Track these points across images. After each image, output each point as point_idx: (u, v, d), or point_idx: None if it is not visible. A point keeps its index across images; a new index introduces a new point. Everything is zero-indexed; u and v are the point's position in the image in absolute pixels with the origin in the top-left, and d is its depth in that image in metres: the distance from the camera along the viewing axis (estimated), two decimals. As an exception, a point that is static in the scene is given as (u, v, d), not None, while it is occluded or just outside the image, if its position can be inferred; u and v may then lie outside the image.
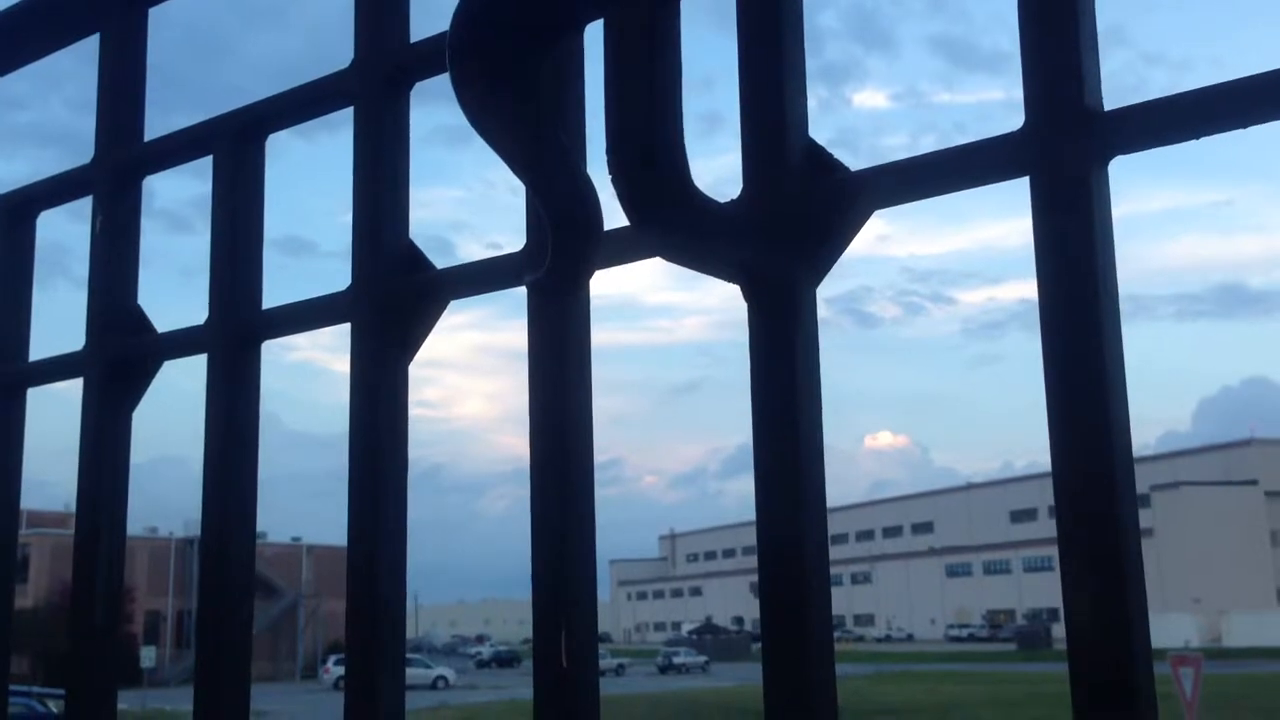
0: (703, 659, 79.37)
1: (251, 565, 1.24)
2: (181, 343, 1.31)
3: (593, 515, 1.00)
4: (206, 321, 1.28)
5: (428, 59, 1.16)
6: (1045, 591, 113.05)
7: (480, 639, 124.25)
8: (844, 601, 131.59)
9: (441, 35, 1.16)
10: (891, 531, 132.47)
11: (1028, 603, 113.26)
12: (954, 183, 0.84)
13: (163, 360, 1.35)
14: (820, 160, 0.91)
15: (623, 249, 0.95)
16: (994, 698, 48.03)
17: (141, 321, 1.37)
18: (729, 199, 0.91)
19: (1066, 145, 0.77)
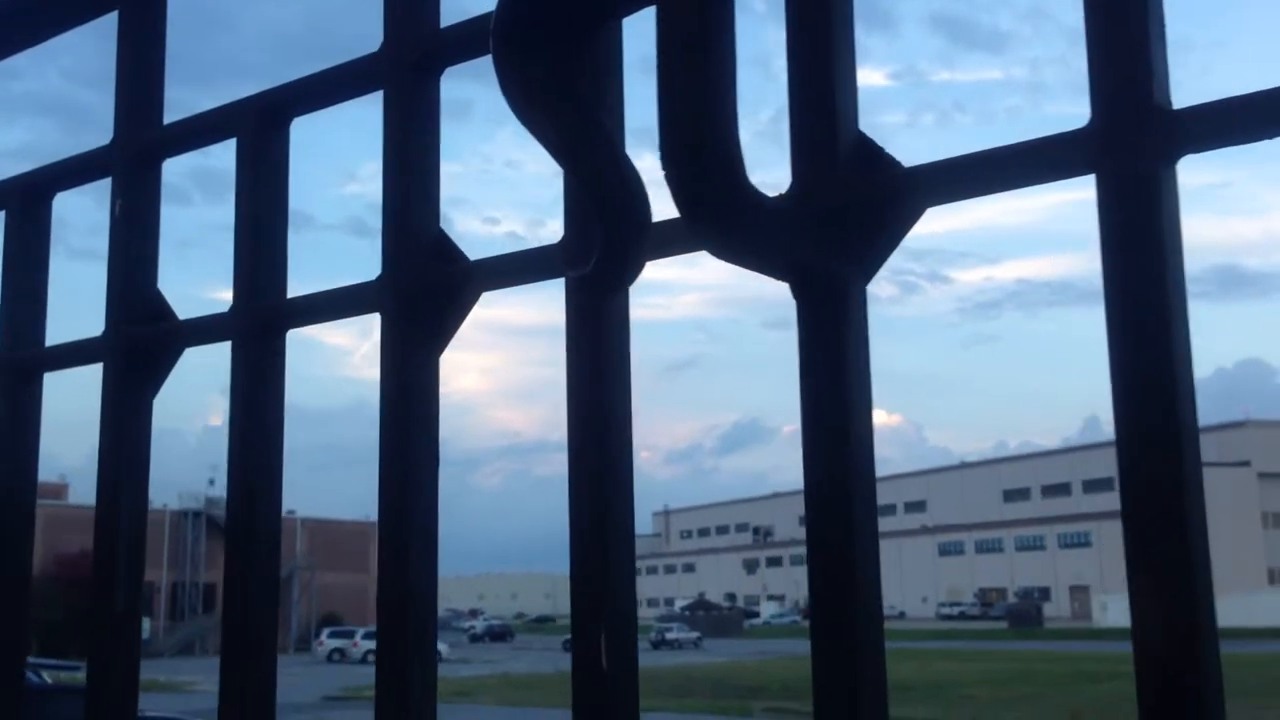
0: (695, 635, 79.77)
1: (277, 557, 1.22)
2: (204, 330, 1.29)
3: (631, 515, 0.98)
4: (231, 309, 1.26)
5: (459, 44, 1.14)
6: (1036, 570, 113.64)
7: (474, 613, 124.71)
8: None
9: (472, 20, 1.13)
10: (885, 510, 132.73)
11: (1019, 581, 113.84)
12: (1014, 180, 0.82)
13: (184, 347, 1.33)
14: (871, 154, 0.89)
15: (668, 241, 0.93)
16: (985, 675, 48.34)
17: (162, 307, 1.35)
18: (777, 193, 0.89)
19: (1136, 143, 0.75)
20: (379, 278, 1.14)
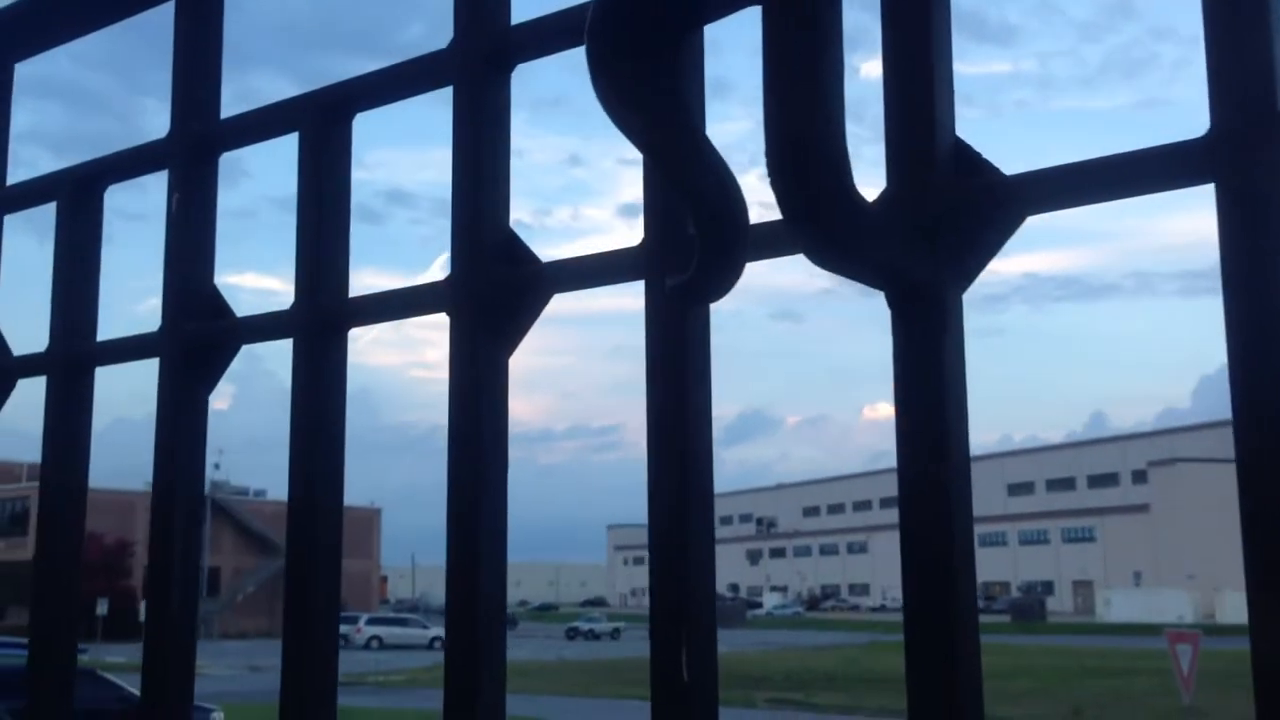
0: (698, 625, 79.68)
1: (338, 558, 1.20)
2: (264, 328, 1.28)
3: (712, 526, 0.97)
4: (292, 306, 1.24)
5: (530, 41, 1.12)
6: (1040, 564, 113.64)
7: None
8: (840, 571, 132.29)
9: (544, 18, 1.12)
10: (889, 502, 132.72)
11: (1023, 575, 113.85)
12: (1122, 189, 0.80)
13: (241, 344, 1.31)
14: (970, 161, 0.87)
15: (763, 245, 0.91)
16: (987, 669, 48.15)
17: (219, 303, 1.34)
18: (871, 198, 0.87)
19: (1258, 152, 0.73)
20: (448, 277, 1.13)
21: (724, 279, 0.80)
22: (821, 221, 0.75)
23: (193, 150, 1.35)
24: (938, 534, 0.82)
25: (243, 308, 1.32)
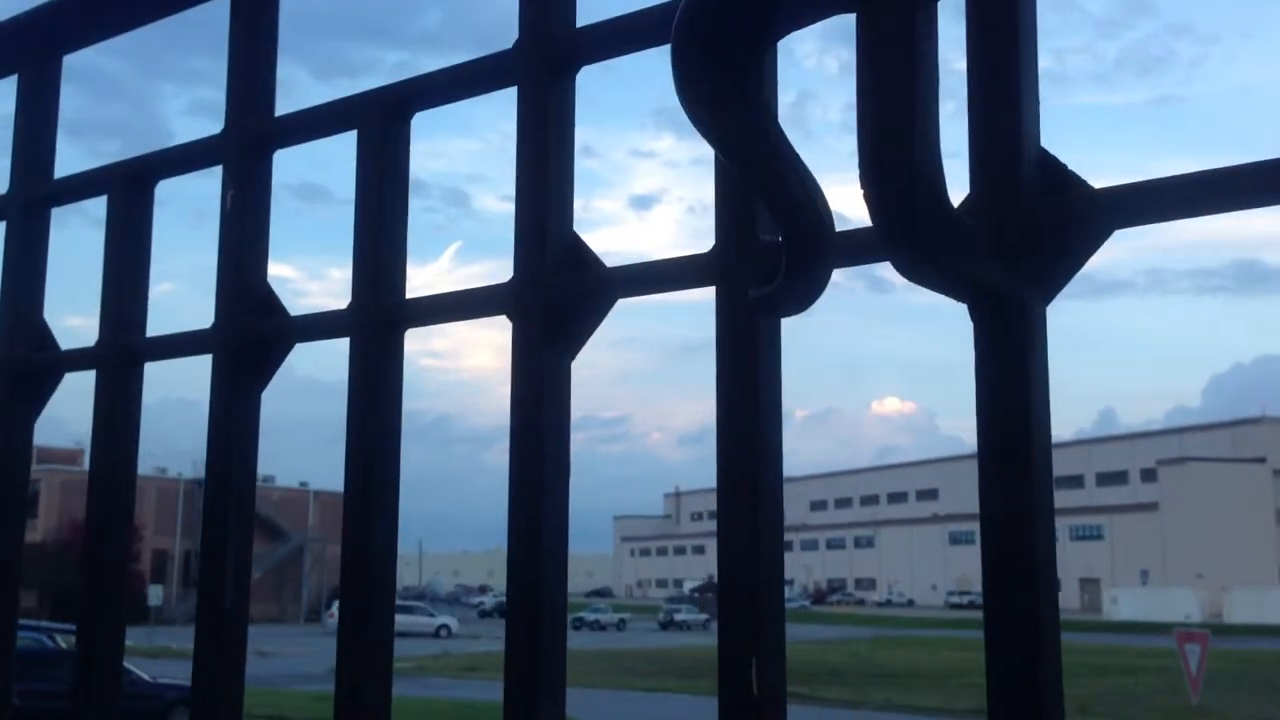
0: (704, 617, 79.90)
1: (394, 556, 1.20)
2: (320, 327, 1.27)
3: (781, 539, 0.96)
4: (350, 305, 1.23)
5: (596, 43, 1.11)
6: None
7: (483, 589, 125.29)
8: (846, 565, 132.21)
9: (610, 21, 1.11)
10: (896, 497, 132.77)
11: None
12: (1215, 205, 0.79)
13: (295, 343, 1.31)
14: (1056, 173, 0.86)
15: (847, 254, 0.90)
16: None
17: (272, 301, 1.33)
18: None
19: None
20: (510, 281, 1.12)
21: (809, 290, 0.80)
22: (918, 239, 0.74)
23: (248, 147, 1.34)
24: (1022, 546, 0.82)
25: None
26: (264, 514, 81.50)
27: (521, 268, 1.11)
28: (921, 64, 0.74)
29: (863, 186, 0.75)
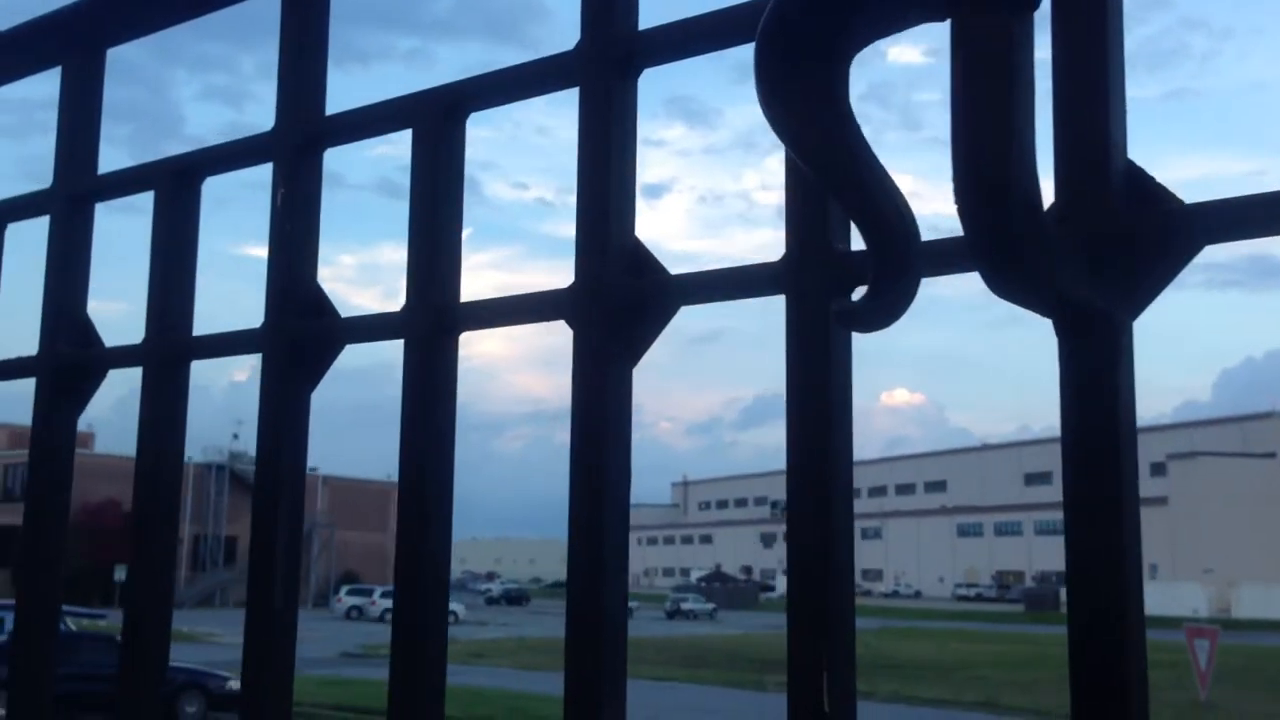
0: (711, 606, 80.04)
1: (448, 559, 1.19)
2: (372, 328, 1.26)
3: (852, 548, 0.95)
4: (404, 307, 1.22)
5: (659, 45, 1.10)
6: (1055, 555, 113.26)
7: (490, 576, 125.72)
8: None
9: (674, 24, 1.10)
10: (904, 489, 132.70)
11: (1037, 565, 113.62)
12: (1311, 222, 0.78)
13: (346, 343, 1.30)
14: (1143, 186, 0.84)
15: (932, 264, 0.89)
16: (1000, 658, 48.32)
17: (321, 301, 1.32)
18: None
19: None
20: (570, 286, 1.11)
21: (897, 304, 0.78)
22: (1013, 255, 0.73)
23: (298, 146, 1.33)
24: (1108, 563, 0.80)
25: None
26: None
27: (583, 273, 1.10)
28: (1019, 76, 0.73)
29: (956, 200, 0.74)
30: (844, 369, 0.96)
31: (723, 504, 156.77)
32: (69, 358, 1.50)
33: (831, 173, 0.81)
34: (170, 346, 1.42)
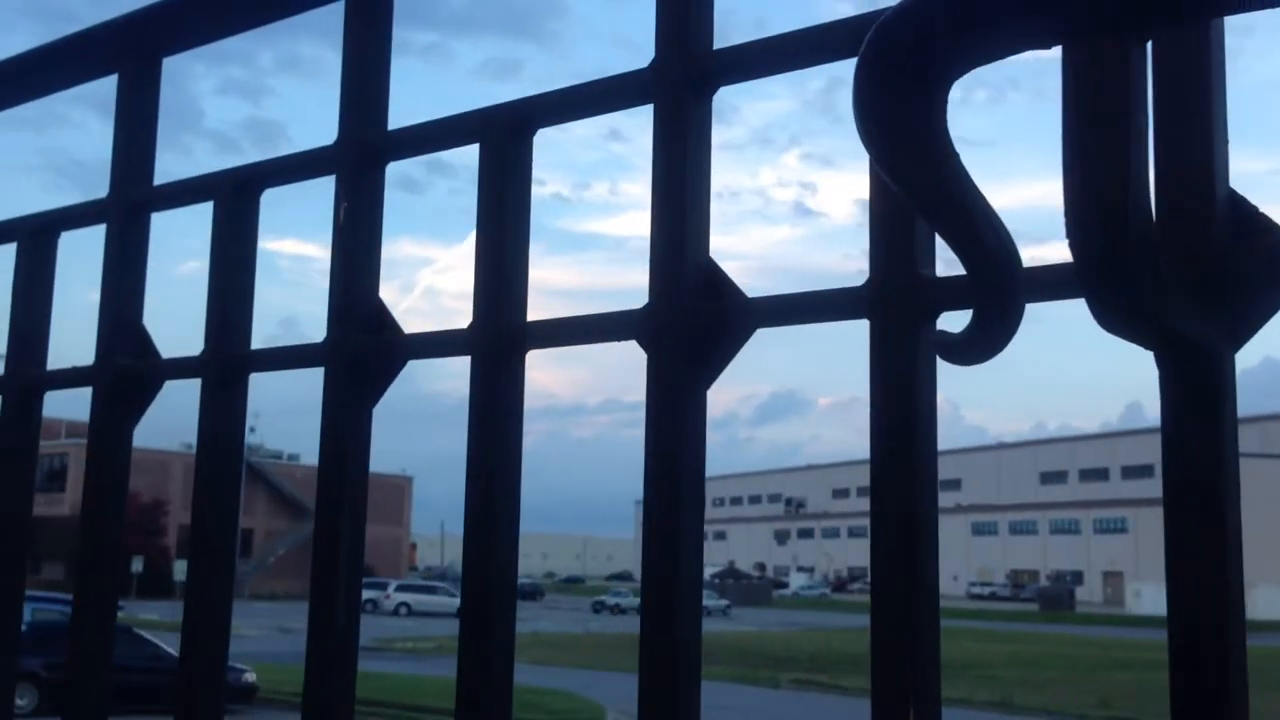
0: (724, 603, 80.00)
1: (514, 572, 1.18)
2: (436, 345, 1.25)
3: (937, 572, 0.94)
4: (470, 326, 1.21)
5: (734, 65, 1.09)
6: (1070, 554, 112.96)
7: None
8: (867, 553, 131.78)
9: (749, 44, 1.08)
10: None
11: (1052, 564, 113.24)
12: None
13: (408, 359, 1.29)
14: (1246, 215, 0.83)
15: (1038, 291, 0.87)
16: (1014, 657, 48.18)
17: (383, 316, 1.31)
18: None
19: None
20: (645, 307, 1.10)
21: (1001, 335, 0.77)
22: (1124, 290, 0.71)
23: (361, 160, 1.32)
24: (1212, 595, 0.79)
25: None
26: (289, 492, 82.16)
27: (657, 294, 1.09)
28: (1134, 105, 0.71)
29: (1069, 233, 0.73)
30: (929, 396, 0.95)
31: (737, 500, 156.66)
32: (126, 368, 1.50)
33: (929, 199, 0.80)
34: (229, 359, 1.41)
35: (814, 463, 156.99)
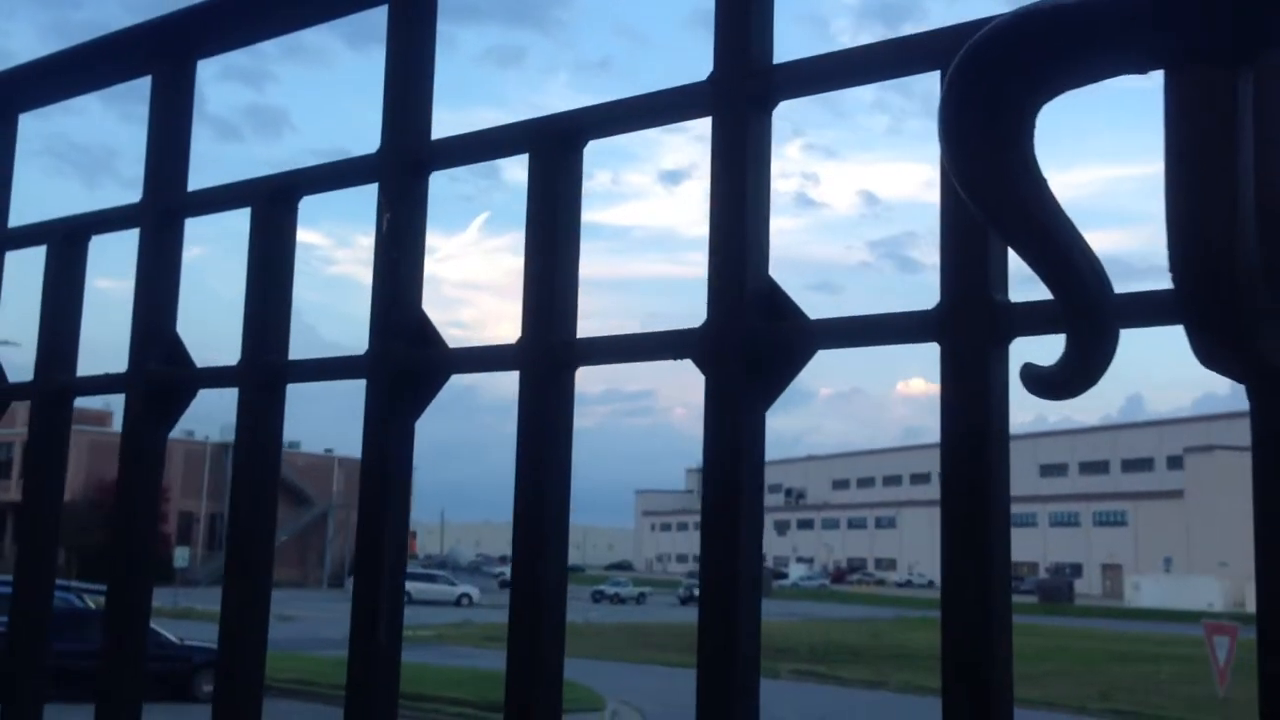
0: (724, 593, 79.87)
1: (563, 588, 1.16)
2: (485, 359, 1.23)
3: (1009, 589, 0.92)
4: (519, 340, 1.19)
5: (793, 81, 1.07)
6: (1070, 546, 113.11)
7: (504, 559, 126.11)
8: (867, 544, 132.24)
9: (806, 60, 1.06)
10: (919, 478, 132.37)
11: (1052, 557, 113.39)
12: None
13: (452, 373, 1.27)
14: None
15: (1132, 317, 0.85)
16: (1014, 650, 48.11)
17: (425, 328, 1.29)
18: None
19: None
20: (703, 326, 1.08)
21: (1096, 366, 0.75)
22: (1228, 324, 0.69)
23: (405, 169, 1.30)
24: (1302, 651, 0.77)
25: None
26: (290, 480, 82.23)
27: (716, 313, 1.07)
28: (1242, 132, 0.69)
29: (1171, 265, 0.70)
30: (1002, 422, 0.93)
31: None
32: (161, 377, 1.48)
33: (1018, 225, 0.77)
34: (267, 369, 1.39)
35: (814, 453, 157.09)
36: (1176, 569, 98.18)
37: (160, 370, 1.48)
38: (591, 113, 1.18)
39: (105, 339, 1.65)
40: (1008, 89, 0.75)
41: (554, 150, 1.19)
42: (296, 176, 1.41)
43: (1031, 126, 0.77)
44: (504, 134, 1.24)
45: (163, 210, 1.52)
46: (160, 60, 1.55)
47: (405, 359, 1.27)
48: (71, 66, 1.63)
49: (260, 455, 1.40)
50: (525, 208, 1.20)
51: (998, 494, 0.92)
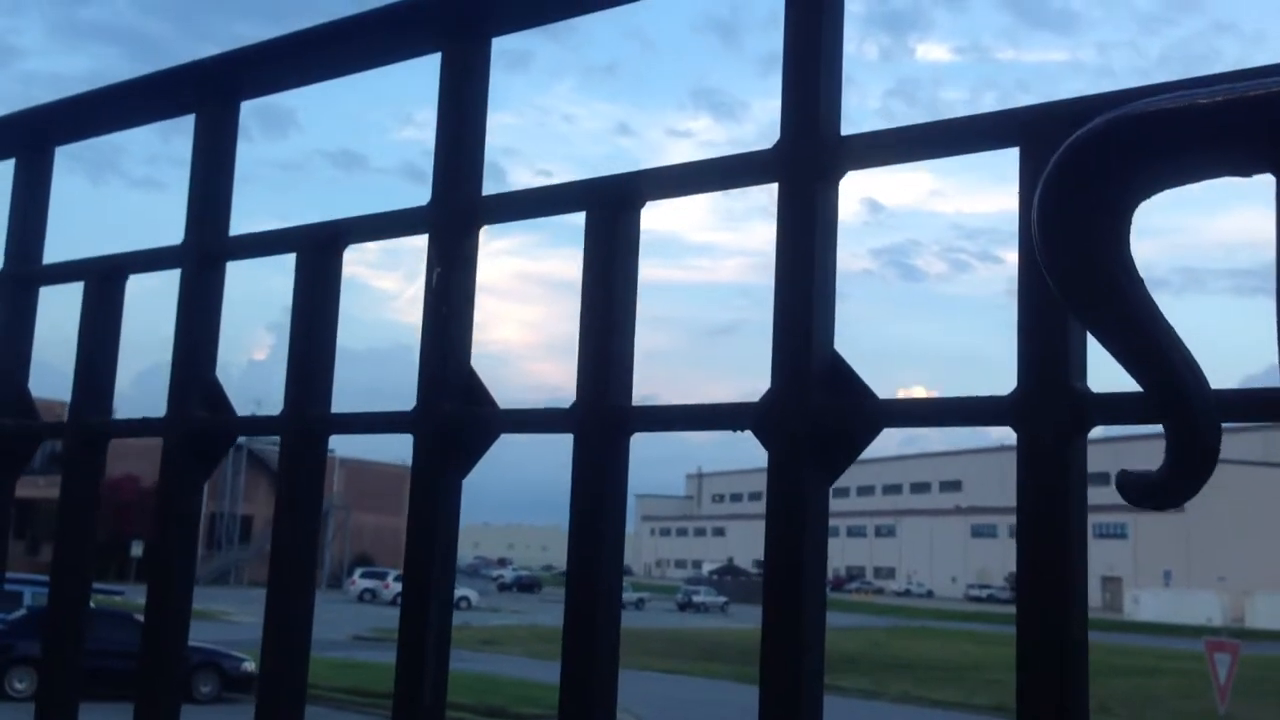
0: (722, 599, 80.00)
1: (616, 645, 1.14)
2: (539, 421, 1.22)
3: (1086, 618, 0.90)
4: (574, 404, 1.17)
5: (860, 154, 1.05)
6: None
7: (502, 562, 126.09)
8: (866, 553, 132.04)
9: (876, 133, 1.05)
10: (919, 487, 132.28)
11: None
12: None
13: (502, 433, 1.25)
14: None
15: (1231, 415, 0.84)
16: (1012, 660, 48.09)
17: (473, 385, 1.27)
18: None
19: None
20: (764, 398, 1.06)
21: (1198, 473, 0.73)
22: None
23: (456, 223, 1.28)
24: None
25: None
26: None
27: (780, 385, 1.05)
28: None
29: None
30: (1080, 510, 0.91)
31: (736, 497, 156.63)
32: (202, 423, 1.46)
33: (1108, 322, 0.76)
34: (310, 420, 1.37)
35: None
36: (1176, 582, 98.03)
37: (201, 416, 1.47)
38: (651, 175, 1.17)
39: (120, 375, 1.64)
40: (1110, 190, 0.73)
41: (612, 210, 1.17)
42: (343, 225, 1.39)
43: (1128, 225, 0.76)
44: (560, 192, 1.23)
45: (204, 254, 1.50)
46: (206, 101, 1.53)
47: (454, 417, 1.26)
48: (118, 101, 1.62)
49: (302, 507, 1.38)
50: (580, 270, 1.18)
51: (1077, 585, 0.90)
